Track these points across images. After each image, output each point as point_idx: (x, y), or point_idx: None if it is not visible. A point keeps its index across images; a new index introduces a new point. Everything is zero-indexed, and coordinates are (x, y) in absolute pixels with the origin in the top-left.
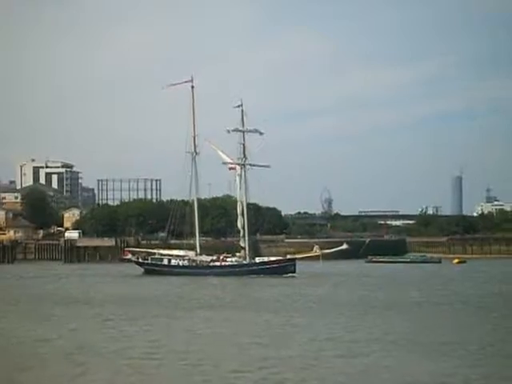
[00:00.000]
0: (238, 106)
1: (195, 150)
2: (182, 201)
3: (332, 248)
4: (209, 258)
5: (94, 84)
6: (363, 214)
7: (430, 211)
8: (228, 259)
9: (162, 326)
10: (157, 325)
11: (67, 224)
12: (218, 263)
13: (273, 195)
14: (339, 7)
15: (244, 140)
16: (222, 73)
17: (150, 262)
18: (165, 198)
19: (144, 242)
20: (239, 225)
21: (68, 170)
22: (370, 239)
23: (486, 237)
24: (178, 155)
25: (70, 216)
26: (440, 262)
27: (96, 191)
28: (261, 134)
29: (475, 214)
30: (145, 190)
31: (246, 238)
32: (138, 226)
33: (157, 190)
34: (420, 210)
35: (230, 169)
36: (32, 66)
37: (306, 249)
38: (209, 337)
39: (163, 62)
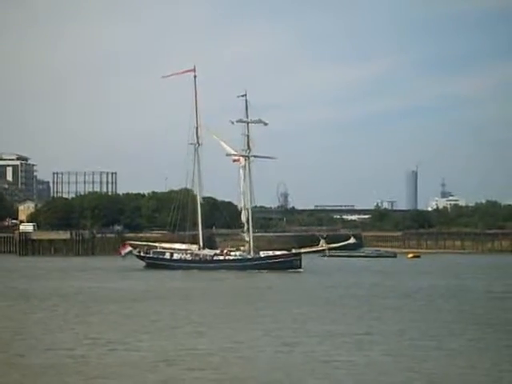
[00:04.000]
0: (242, 96)
1: (198, 141)
2: (138, 194)
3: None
4: (212, 252)
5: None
6: (319, 208)
7: (385, 206)
8: (232, 253)
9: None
10: None
11: (22, 217)
12: (221, 257)
13: (229, 189)
14: (290, 5)
15: (248, 131)
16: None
17: (151, 255)
18: (121, 191)
19: (99, 235)
20: (243, 218)
21: (23, 162)
22: (326, 233)
23: (440, 232)
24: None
25: (25, 209)
26: (395, 256)
27: (51, 184)
28: (265, 124)
29: (430, 209)
30: (100, 182)
31: (251, 232)
32: (94, 219)
33: (112, 183)
34: (375, 204)
35: (234, 161)
36: None
37: (261, 243)
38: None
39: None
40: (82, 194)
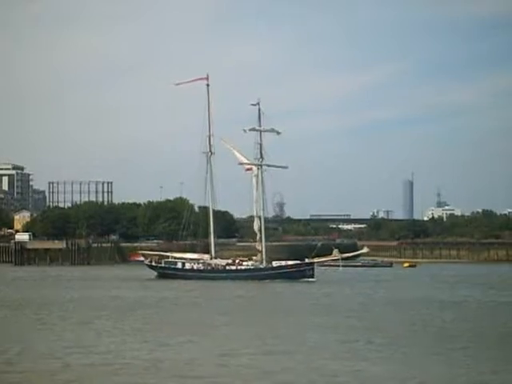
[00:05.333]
0: (255, 105)
1: (210, 150)
2: (134, 203)
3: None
4: (224, 262)
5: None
6: (315, 217)
7: (382, 215)
8: (244, 263)
9: None
10: None
11: (18, 226)
12: (233, 267)
13: (225, 198)
14: (290, 11)
15: (261, 140)
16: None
17: (163, 265)
18: (116, 200)
19: (95, 244)
20: (255, 227)
21: (19, 171)
22: (322, 243)
23: (436, 241)
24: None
25: (21, 218)
26: (391, 265)
27: (47, 193)
28: (278, 133)
29: (426, 219)
30: (96, 192)
31: (263, 242)
32: (89, 229)
33: (108, 192)
34: (371, 214)
35: (247, 170)
36: None
37: (257, 252)
38: None
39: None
40: (78, 203)
